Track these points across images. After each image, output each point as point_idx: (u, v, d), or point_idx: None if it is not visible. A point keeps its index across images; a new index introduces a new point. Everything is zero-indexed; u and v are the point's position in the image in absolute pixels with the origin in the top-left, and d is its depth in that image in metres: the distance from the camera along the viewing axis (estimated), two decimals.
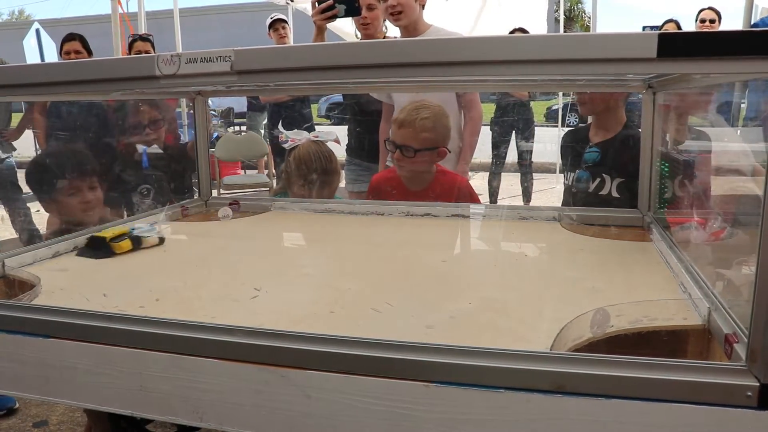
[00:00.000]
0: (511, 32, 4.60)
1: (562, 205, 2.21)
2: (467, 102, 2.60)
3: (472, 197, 2.12)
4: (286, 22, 5.17)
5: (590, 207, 1.78)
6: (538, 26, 5.71)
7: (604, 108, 2.09)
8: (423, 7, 2.54)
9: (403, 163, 2.00)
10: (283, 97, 4.59)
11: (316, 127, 4.90)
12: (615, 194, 2.01)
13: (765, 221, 0.69)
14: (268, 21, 5.16)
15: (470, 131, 2.63)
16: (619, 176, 2.00)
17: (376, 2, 2.68)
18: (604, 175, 2.03)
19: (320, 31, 2.55)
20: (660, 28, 5.24)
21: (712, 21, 5.01)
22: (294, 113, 4.58)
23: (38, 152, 4.13)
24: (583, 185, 2.06)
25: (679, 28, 5.21)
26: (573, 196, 2.10)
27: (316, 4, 2.44)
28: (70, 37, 3.82)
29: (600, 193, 2.03)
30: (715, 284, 1.03)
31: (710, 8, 5.06)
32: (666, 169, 1.67)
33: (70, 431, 2.38)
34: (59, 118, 3.46)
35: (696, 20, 5.13)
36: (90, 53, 3.84)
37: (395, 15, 2.46)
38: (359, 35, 2.86)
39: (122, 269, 1.39)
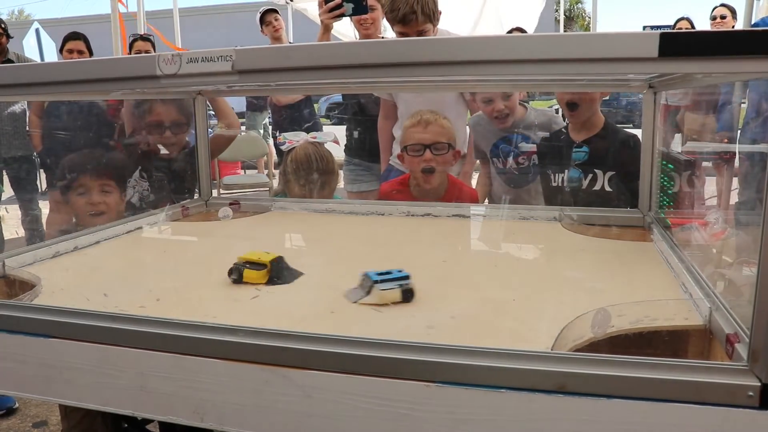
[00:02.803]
0: (509, 32, 4.59)
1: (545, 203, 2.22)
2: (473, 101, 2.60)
3: None
4: (277, 12, 4.85)
5: (587, 206, 1.77)
6: (534, 25, 5.72)
7: (594, 108, 2.11)
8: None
9: (432, 164, 1.99)
10: (298, 97, 4.51)
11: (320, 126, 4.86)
12: (607, 188, 2.01)
13: (765, 221, 0.69)
14: (257, 17, 4.86)
15: None
16: (610, 170, 2.02)
17: (376, 3, 2.67)
18: (595, 170, 2.05)
19: (326, 30, 2.54)
20: (674, 26, 5.21)
21: (723, 17, 4.91)
22: (296, 113, 4.54)
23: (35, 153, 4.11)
24: (576, 184, 2.07)
25: (692, 25, 5.15)
26: (565, 195, 2.11)
27: (324, 2, 2.43)
28: (74, 36, 3.74)
29: (594, 189, 2.04)
30: (716, 284, 1.03)
31: (723, 5, 4.96)
32: (667, 172, 1.67)
33: None
34: (58, 119, 3.45)
35: (710, 17, 5.06)
36: (91, 54, 3.81)
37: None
38: (357, 36, 2.85)
39: (122, 269, 1.39)
